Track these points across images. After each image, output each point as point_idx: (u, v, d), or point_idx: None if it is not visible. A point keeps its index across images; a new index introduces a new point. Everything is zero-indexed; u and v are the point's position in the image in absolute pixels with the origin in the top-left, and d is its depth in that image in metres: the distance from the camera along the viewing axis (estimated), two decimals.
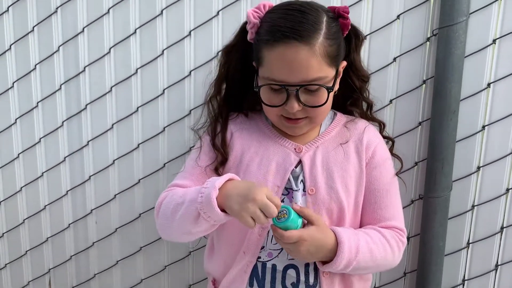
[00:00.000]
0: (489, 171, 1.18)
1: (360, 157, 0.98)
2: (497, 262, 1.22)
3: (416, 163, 1.20)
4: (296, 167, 0.97)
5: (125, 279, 1.42)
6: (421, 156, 1.20)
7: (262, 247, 0.96)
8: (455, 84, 1.11)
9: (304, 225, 0.89)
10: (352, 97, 1.04)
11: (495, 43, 1.11)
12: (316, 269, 0.95)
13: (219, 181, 0.86)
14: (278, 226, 0.86)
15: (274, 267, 0.96)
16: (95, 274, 1.43)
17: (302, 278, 0.95)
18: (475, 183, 1.19)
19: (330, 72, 0.90)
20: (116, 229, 1.38)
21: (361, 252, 0.91)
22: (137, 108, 1.29)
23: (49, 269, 1.46)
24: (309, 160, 0.97)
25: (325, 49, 0.87)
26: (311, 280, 0.95)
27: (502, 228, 1.19)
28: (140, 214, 1.35)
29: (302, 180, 0.96)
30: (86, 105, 1.31)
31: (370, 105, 1.06)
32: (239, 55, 0.98)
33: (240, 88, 1.01)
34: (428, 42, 1.14)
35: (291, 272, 0.95)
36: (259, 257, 0.96)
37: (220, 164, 0.98)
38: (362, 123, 1.03)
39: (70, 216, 1.41)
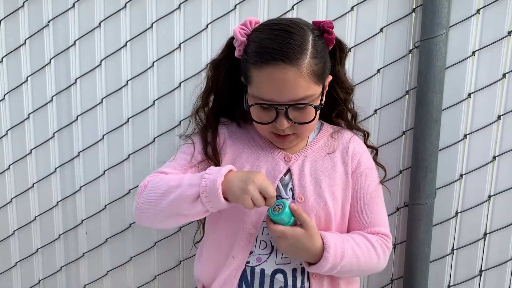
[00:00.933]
0: (471, 179, 1.21)
1: (346, 166, 1.01)
2: (481, 267, 1.24)
3: (400, 171, 1.24)
4: (285, 175, 1.00)
5: None
6: (405, 165, 1.23)
7: (251, 252, 0.98)
8: (437, 94, 1.14)
9: (295, 225, 0.93)
10: (336, 109, 1.08)
11: (474, 55, 1.15)
12: (303, 274, 0.98)
13: (224, 168, 0.89)
14: (271, 217, 0.91)
15: (262, 271, 0.98)
16: (85, 285, 1.43)
17: (290, 282, 0.97)
18: (458, 190, 1.22)
19: (317, 90, 0.93)
20: (107, 239, 1.39)
21: (346, 257, 0.94)
22: (128, 119, 1.31)
23: (39, 280, 1.46)
24: (298, 169, 0.99)
25: (312, 69, 0.90)
26: (298, 284, 0.97)
27: (485, 234, 1.22)
28: (130, 224, 1.36)
29: (291, 188, 0.98)
30: (77, 117, 1.33)
31: (354, 116, 1.10)
32: (227, 70, 1.00)
33: (229, 99, 1.04)
34: (410, 54, 1.18)
35: (279, 277, 0.97)
36: (248, 262, 0.98)
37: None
38: (347, 134, 1.07)
39: (61, 227, 1.42)
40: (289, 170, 1.00)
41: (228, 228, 0.97)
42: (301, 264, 0.98)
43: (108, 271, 1.41)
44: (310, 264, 0.95)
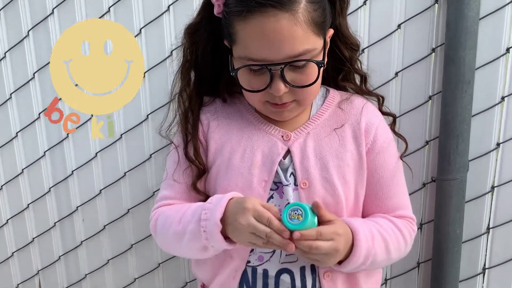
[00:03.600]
0: (510, 148, 1.05)
1: (359, 143, 0.86)
2: None
3: (427, 142, 1.08)
4: (284, 157, 0.85)
5: (118, 279, 1.33)
6: (432, 134, 1.07)
7: (252, 250, 0.85)
8: (470, 51, 0.97)
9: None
10: (342, 70, 0.91)
11: None
12: (313, 272, 0.84)
13: (218, 212, 0.76)
14: (292, 228, 0.72)
15: (265, 272, 0.84)
16: (86, 275, 1.34)
17: (298, 283, 0.83)
18: (494, 162, 1.06)
19: (318, 43, 0.77)
20: (105, 226, 1.28)
21: (376, 240, 0.80)
22: None
23: (38, 271, 1.38)
24: (299, 149, 0.85)
25: (310, 15, 0.74)
26: (309, 285, 0.84)
27: None
28: (128, 210, 1.25)
29: (292, 173, 0.84)
30: None
31: (364, 78, 0.93)
32: (207, 34, 0.84)
33: (212, 72, 0.88)
34: (436, 4, 1.00)
35: (285, 278, 0.84)
36: (248, 261, 0.85)
37: (197, 177, 0.87)
38: (359, 102, 0.90)
39: (55, 215, 1.31)
40: (289, 151, 0.85)
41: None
42: None
43: (108, 260, 1.31)
44: (340, 262, 0.79)
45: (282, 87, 0.77)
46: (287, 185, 0.83)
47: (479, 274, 1.13)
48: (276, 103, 0.80)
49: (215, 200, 0.79)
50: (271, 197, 0.84)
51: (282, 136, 0.85)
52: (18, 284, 1.40)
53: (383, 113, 0.92)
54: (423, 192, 1.11)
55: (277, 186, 0.84)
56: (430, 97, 1.05)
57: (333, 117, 0.88)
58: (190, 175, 0.87)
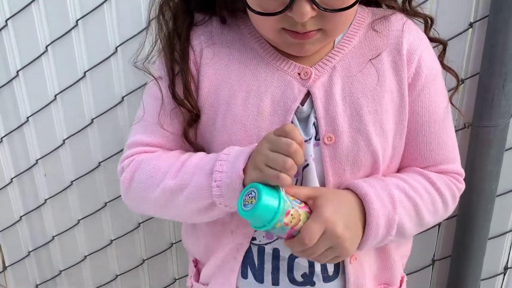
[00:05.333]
0: None
1: (400, 77, 0.65)
2: None
3: (462, 81, 0.89)
4: (302, 103, 0.64)
5: (97, 275, 1.18)
6: (469, 71, 0.88)
7: None
8: None
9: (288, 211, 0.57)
10: None
11: None
12: None
13: (240, 162, 0.58)
14: (243, 216, 0.55)
15: (276, 252, 0.66)
16: (53, 236, 1.17)
17: (318, 269, 0.66)
18: None
19: None
20: (72, 182, 1.09)
21: (400, 203, 0.62)
22: (77, 21, 0.94)
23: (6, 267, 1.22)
24: (323, 90, 0.64)
25: None
26: (330, 269, 0.67)
27: None
28: (99, 163, 1.05)
29: (314, 124, 0.64)
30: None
31: None
32: None
33: None
34: None
35: (301, 261, 0.66)
36: (253, 238, 0.67)
37: (189, 124, 0.66)
38: (397, 20, 0.68)
39: (11, 170, 1.12)
40: (308, 94, 0.64)
41: None
42: None
43: (79, 220, 1.13)
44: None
45: (308, 10, 0.55)
46: (306, 141, 0.63)
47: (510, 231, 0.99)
48: (297, 32, 0.59)
49: (234, 151, 0.60)
50: None
51: (299, 74, 0.64)
52: None
53: (431, 40, 0.71)
54: None
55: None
56: (471, 24, 0.85)
57: (366, 43, 0.66)
58: (178, 121, 0.66)
